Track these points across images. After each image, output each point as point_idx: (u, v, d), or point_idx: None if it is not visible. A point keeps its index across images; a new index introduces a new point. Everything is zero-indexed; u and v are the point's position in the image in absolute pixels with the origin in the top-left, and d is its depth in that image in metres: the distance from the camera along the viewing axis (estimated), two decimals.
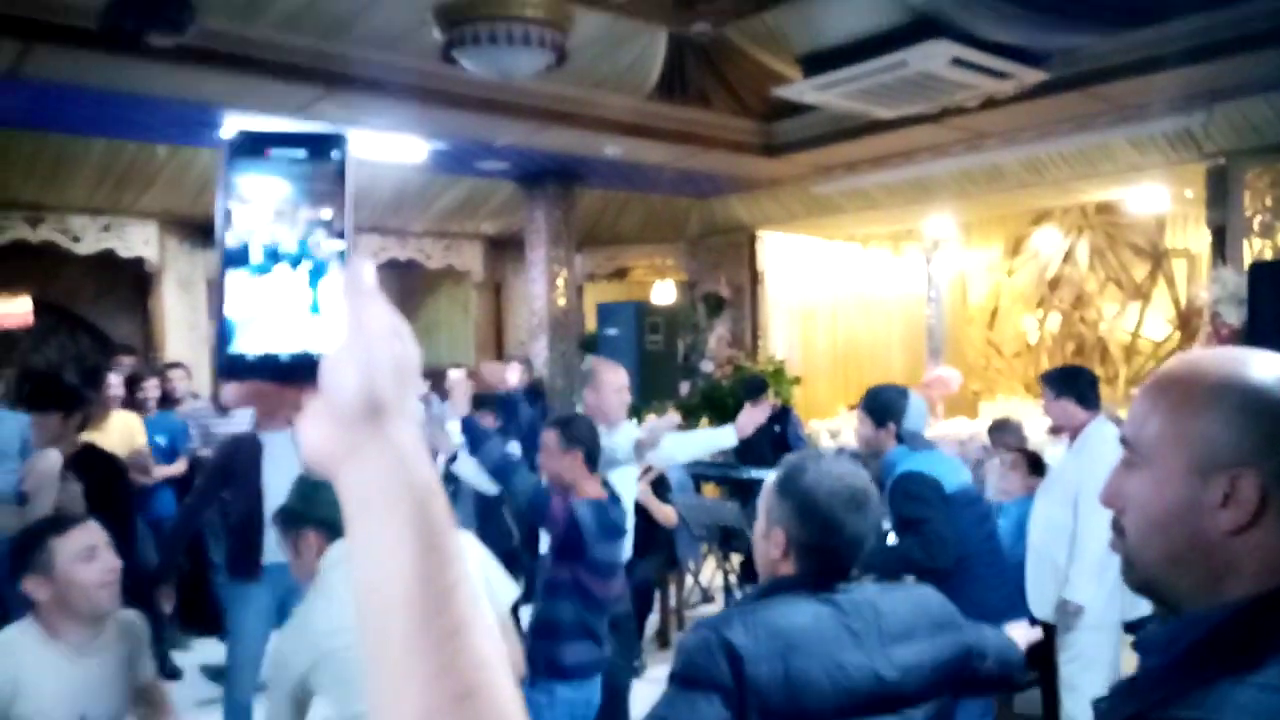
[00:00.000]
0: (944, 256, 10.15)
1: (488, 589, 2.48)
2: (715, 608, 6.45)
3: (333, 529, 2.28)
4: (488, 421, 5.00)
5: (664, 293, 10.41)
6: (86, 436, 5.34)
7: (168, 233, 8.02)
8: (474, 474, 4.80)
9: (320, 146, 0.59)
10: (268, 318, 0.58)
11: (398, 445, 0.57)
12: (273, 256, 0.58)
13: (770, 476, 1.85)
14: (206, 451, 5.78)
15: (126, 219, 7.73)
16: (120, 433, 5.49)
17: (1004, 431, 5.47)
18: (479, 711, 0.54)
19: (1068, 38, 5.16)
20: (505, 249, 9.91)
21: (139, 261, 7.98)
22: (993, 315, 10.49)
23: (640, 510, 5.03)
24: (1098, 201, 8.86)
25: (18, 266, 7.66)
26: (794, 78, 5.57)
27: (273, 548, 3.67)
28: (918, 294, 10.47)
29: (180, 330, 8.21)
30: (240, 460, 4.15)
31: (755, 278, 9.39)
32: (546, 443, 3.21)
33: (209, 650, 5.77)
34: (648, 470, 5.45)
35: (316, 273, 0.59)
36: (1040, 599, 3.82)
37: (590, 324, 8.71)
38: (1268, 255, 6.13)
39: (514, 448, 4.25)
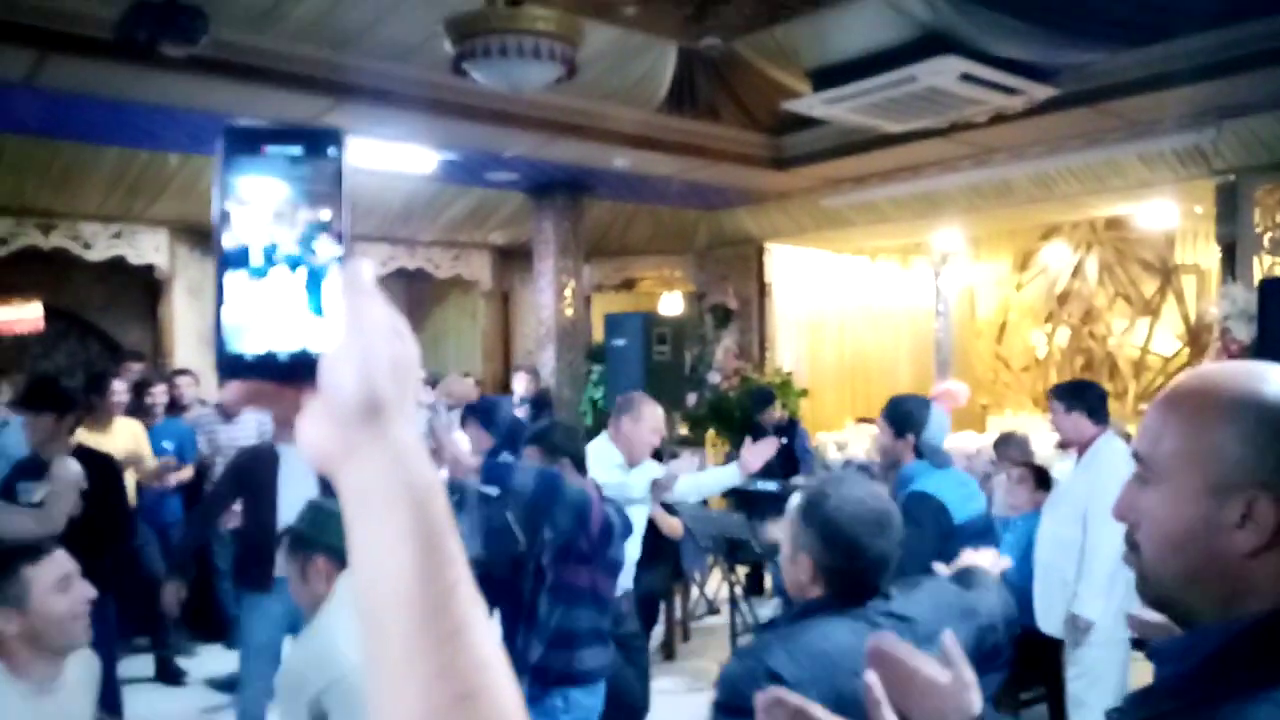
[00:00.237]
0: (952, 270, 10.15)
1: None
2: (720, 620, 6.42)
3: (343, 557, 2.26)
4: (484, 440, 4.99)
5: (671, 304, 10.42)
6: (90, 442, 5.38)
7: (178, 240, 8.06)
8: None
9: (317, 143, 0.59)
10: (266, 317, 0.58)
11: (397, 444, 0.57)
12: (270, 255, 0.58)
13: (792, 502, 1.88)
14: (215, 458, 5.80)
15: (137, 226, 7.78)
16: (124, 438, 5.51)
17: (1010, 446, 5.45)
18: (479, 713, 0.54)
19: (1077, 54, 5.17)
20: (513, 259, 9.94)
21: (149, 268, 8.02)
22: (1001, 329, 10.48)
23: (646, 522, 5.02)
24: (1107, 217, 8.86)
25: (29, 272, 7.71)
26: (803, 92, 5.58)
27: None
28: (926, 307, 10.46)
29: (189, 337, 8.24)
30: (256, 471, 4.16)
31: (763, 290, 9.40)
32: (532, 457, 3.20)
33: (214, 656, 5.78)
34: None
35: (315, 271, 0.58)
36: (1048, 614, 3.80)
37: (598, 334, 8.73)
38: (1277, 271, 6.11)
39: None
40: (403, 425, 0.57)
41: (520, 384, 8.03)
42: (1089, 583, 3.65)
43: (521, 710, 0.56)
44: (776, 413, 7.31)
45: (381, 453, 0.56)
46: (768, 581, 7.13)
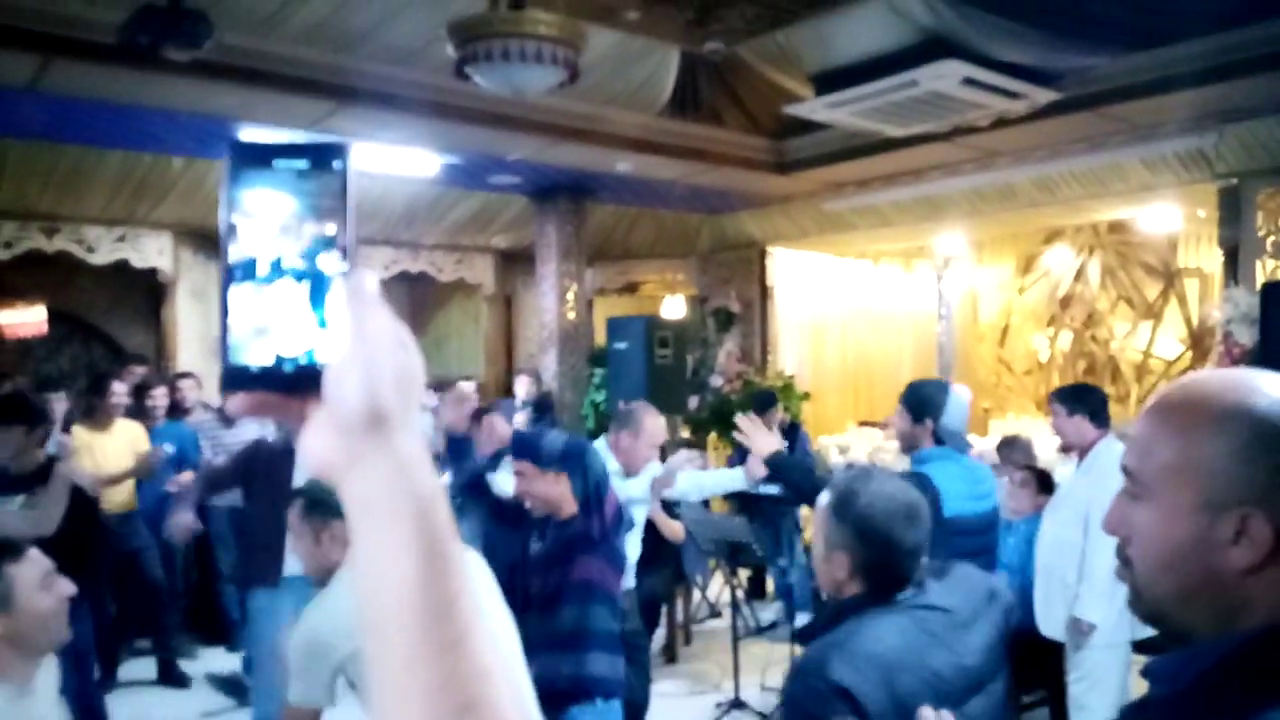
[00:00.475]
0: (955, 273, 10.15)
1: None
2: (722, 623, 6.42)
3: None
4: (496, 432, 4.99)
5: (674, 308, 10.42)
6: (91, 441, 5.40)
7: (181, 244, 8.08)
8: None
9: (322, 157, 0.60)
10: (271, 329, 0.58)
11: (401, 454, 0.57)
12: (276, 267, 0.59)
13: (821, 501, 1.90)
14: (217, 460, 5.81)
15: (141, 230, 7.80)
16: (125, 440, 5.53)
17: (1013, 449, 5.45)
18: None
19: (1079, 58, 5.17)
20: (516, 262, 9.95)
21: (153, 272, 8.04)
22: (1004, 333, 10.47)
23: (647, 524, 5.03)
24: (1109, 220, 8.85)
25: (33, 276, 7.73)
26: (805, 95, 5.59)
27: (294, 560, 3.67)
28: (928, 310, 10.46)
29: (193, 340, 8.26)
30: (270, 464, 4.17)
31: (765, 293, 9.40)
32: (522, 471, 3.01)
33: (216, 659, 5.79)
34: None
35: (320, 283, 0.59)
36: (1049, 618, 3.80)
37: (600, 338, 8.73)
38: None
39: None
40: (406, 435, 0.58)
41: (522, 387, 8.05)
42: (1090, 585, 3.65)
43: (521, 718, 0.56)
44: (778, 415, 7.30)
45: (385, 463, 0.57)
46: (769, 585, 7.13)
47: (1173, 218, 7.86)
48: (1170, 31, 4.93)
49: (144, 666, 5.71)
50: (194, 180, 7.05)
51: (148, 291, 8.41)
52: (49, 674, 2.17)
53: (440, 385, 6.72)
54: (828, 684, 1.62)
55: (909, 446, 3.51)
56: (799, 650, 5.40)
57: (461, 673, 0.54)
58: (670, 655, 6.00)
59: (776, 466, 3.26)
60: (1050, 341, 10.09)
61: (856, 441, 8.41)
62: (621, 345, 7.59)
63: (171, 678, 5.60)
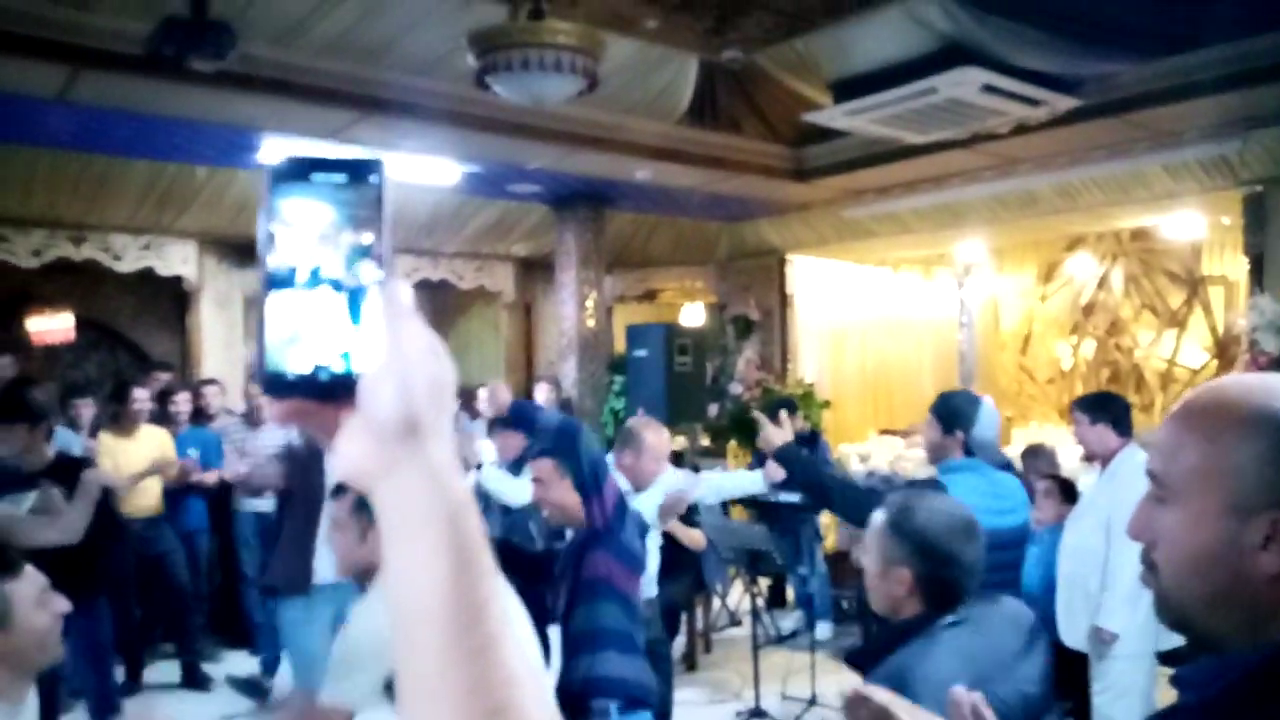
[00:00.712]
0: (976, 281, 10.09)
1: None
2: (742, 631, 6.40)
3: None
4: (513, 442, 5.05)
5: (693, 315, 10.43)
6: (116, 447, 5.47)
7: (206, 252, 8.17)
8: (500, 487, 4.83)
9: (359, 171, 0.61)
10: (308, 337, 0.59)
11: (433, 463, 0.58)
12: (313, 277, 0.60)
13: (876, 519, 1.90)
14: (241, 465, 5.87)
15: (166, 238, 7.89)
16: (150, 445, 5.60)
17: (1037, 458, 5.40)
18: None
19: (1101, 65, 5.15)
20: (536, 270, 9.99)
21: (177, 280, 8.13)
22: (1026, 341, 10.40)
23: (667, 533, 5.03)
24: (1133, 228, 8.79)
25: (61, 283, 7.84)
26: (824, 103, 5.59)
27: (326, 566, 3.66)
28: (949, 318, 10.41)
29: (217, 347, 8.34)
30: (308, 471, 4.20)
31: (785, 301, 9.39)
32: (542, 473, 2.99)
33: (238, 662, 5.83)
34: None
35: (356, 293, 0.60)
36: (1072, 627, 3.76)
37: (619, 345, 8.74)
38: None
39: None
40: (439, 444, 0.58)
41: (542, 394, 8.06)
42: (1113, 595, 3.62)
43: None
44: (798, 423, 7.28)
45: (418, 471, 0.57)
46: (789, 594, 7.11)
47: (1196, 225, 7.79)
48: (1193, 37, 4.90)
49: (168, 669, 5.76)
50: (218, 189, 7.14)
51: (172, 299, 8.51)
52: (33, 697, 2.12)
53: (462, 393, 6.76)
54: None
55: (937, 457, 3.47)
56: (822, 660, 5.38)
57: (491, 678, 0.55)
58: (690, 663, 5.99)
59: (785, 459, 3.25)
60: (1073, 350, 10.02)
61: (877, 450, 8.38)
62: (641, 353, 7.59)
63: (195, 680, 5.65)
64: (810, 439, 7.22)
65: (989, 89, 4.94)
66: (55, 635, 1.98)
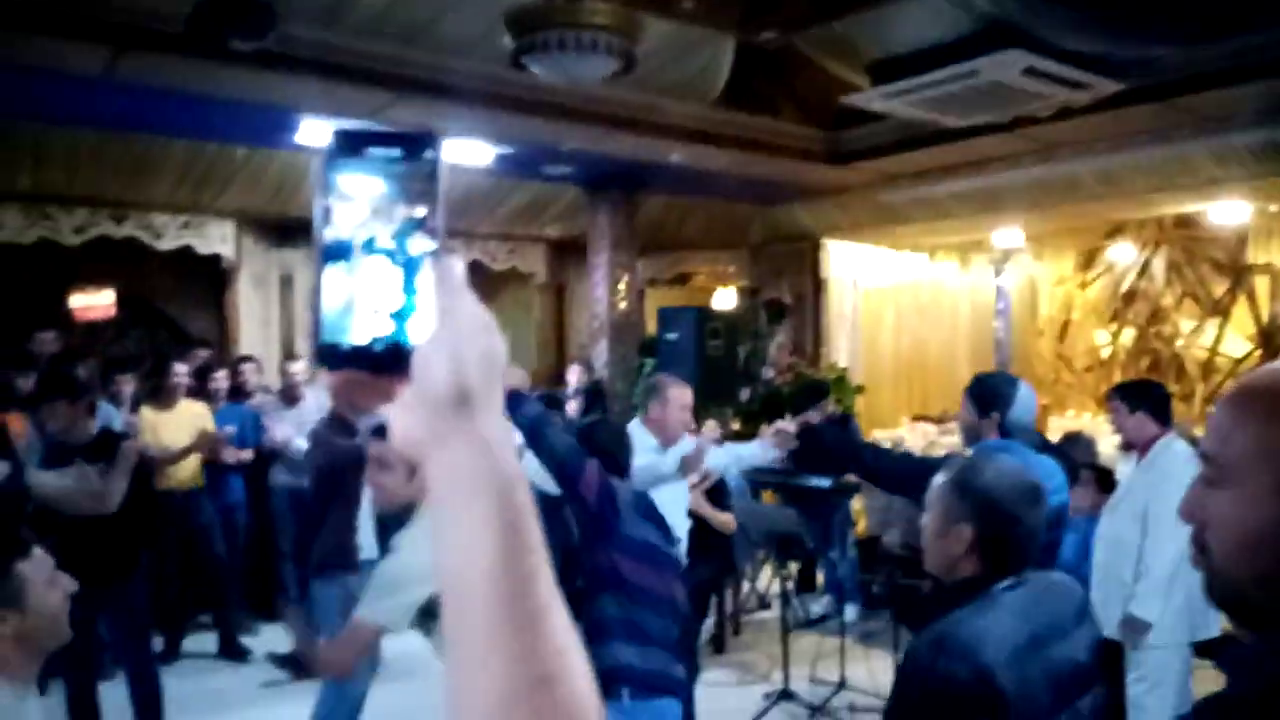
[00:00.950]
0: (1013, 268, 9.97)
1: None
2: (771, 614, 6.41)
3: None
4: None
5: (725, 300, 10.39)
6: (156, 421, 5.58)
7: (244, 231, 8.26)
8: (536, 474, 4.86)
9: (415, 146, 0.62)
10: (362, 309, 0.60)
11: (484, 434, 0.59)
12: (368, 251, 0.61)
13: (939, 478, 1.90)
14: (278, 440, 5.96)
15: (205, 217, 7.98)
16: (189, 419, 5.70)
17: (1076, 446, 5.33)
18: (556, 696, 0.55)
19: (1147, 48, 5.04)
20: (568, 253, 9.99)
21: (216, 258, 8.23)
22: (1064, 329, 10.27)
23: (696, 515, 5.04)
24: (1176, 214, 8.62)
25: (103, 261, 7.96)
26: (862, 85, 5.53)
27: (369, 544, 3.71)
28: (985, 305, 10.30)
29: (254, 325, 8.44)
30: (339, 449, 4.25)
31: (818, 286, 9.33)
32: None
33: (273, 635, 5.92)
34: (704, 479, 5.45)
35: (409, 267, 0.61)
36: (1106, 617, 3.73)
37: (651, 328, 8.74)
38: None
39: None
40: (490, 416, 0.59)
41: (574, 377, 8.10)
42: (1147, 584, 3.59)
43: (596, 697, 0.58)
44: (829, 407, 7.25)
45: (469, 442, 0.58)
46: (819, 578, 7.10)
47: (1242, 212, 7.64)
48: (1241, 20, 4.78)
49: (205, 640, 5.88)
50: (256, 169, 7.21)
51: (211, 277, 8.61)
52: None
53: None
54: (970, 666, 1.60)
55: (973, 440, 3.44)
56: (851, 644, 5.38)
57: (538, 648, 0.56)
58: (719, 645, 6.01)
59: (811, 438, 3.25)
60: (1112, 338, 9.88)
61: (910, 436, 8.32)
62: (672, 336, 7.59)
63: (232, 651, 5.76)
64: (843, 421, 7.19)
65: (1031, 72, 4.85)
66: (65, 616, 1.97)
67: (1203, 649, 3.71)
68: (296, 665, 5.34)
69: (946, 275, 10.45)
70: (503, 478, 0.58)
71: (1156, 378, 8.53)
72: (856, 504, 7.03)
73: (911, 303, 10.14)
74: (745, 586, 6.72)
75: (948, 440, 7.55)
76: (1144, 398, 3.83)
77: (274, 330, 8.51)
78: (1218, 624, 3.80)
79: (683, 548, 3.84)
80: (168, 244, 7.89)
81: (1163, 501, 3.58)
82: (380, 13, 4.77)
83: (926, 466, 2.87)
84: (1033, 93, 5.16)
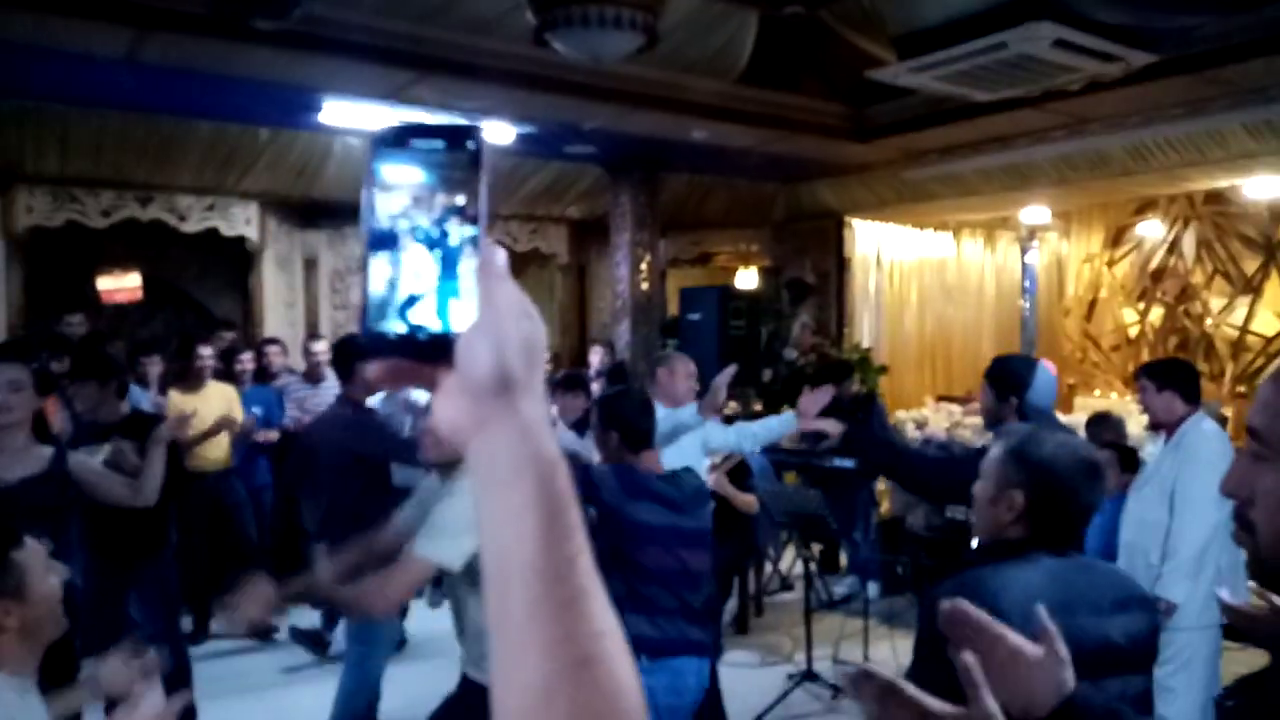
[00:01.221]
0: (1040, 245, 9.85)
1: None
2: (794, 595, 6.41)
3: None
4: (574, 404, 5.09)
5: (747, 279, 10.34)
6: (184, 404, 5.62)
7: (268, 213, 8.29)
8: (573, 441, 4.87)
9: (457, 138, 0.64)
10: (407, 297, 0.62)
11: (526, 419, 0.60)
12: (412, 240, 0.62)
13: (999, 446, 1.90)
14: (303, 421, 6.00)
15: (229, 199, 8.02)
16: (217, 399, 5.75)
17: (1104, 427, 5.28)
18: (597, 679, 0.56)
19: (1181, 18, 4.93)
20: (590, 233, 9.97)
21: (240, 240, 8.28)
22: (1091, 307, 10.15)
23: (719, 496, 5.03)
24: (1207, 190, 8.47)
25: (129, 244, 8.03)
26: (888, 60, 5.45)
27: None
28: (1011, 284, 10.19)
29: (278, 307, 8.49)
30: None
31: (842, 264, 9.25)
32: (594, 420, 3.24)
33: (302, 616, 5.98)
34: (726, 458, 5.44)
35: (453, 255, 0.62)
36: None
37: (673, 308, 8.71)
38: None
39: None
40: (531, 402, 0.61)
41: (596, 357, 8.09)
42: (1174, 565, 3.55)
43: (636, 681, 0.58)
44: (854, 387, 7.22)
45: (511, 427, 0.59)
46: (842, 559, 7.09)
47: (1276, 187, 7.49)
48: None
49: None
50: (280, 151, 7.23)
51: (235, 259, 8.67)
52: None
53: None
54: (988, 606, 1.60)
55: (993, 423, 3.42)
56: (875, 625, 5.37)
57: (580, 630, 0.57)
58: (742, 626, 6.01)
59: (856, 444, 3.26)
60: (1140, 316, 9.75)
61: (934, 416, 8.27)
62: (694, 316, 7.57)
63: (258, 631, 5.82)
64: (867, 400, 7.16)
65: (1061, 44, 4.76)
66: (59, 605, 1.91)
67: (1231, 630, 3.67)
68: (320, 643, 5.40)
69: (972, 253, 10.34)
70: (544, 462, 0.59)
71: (1185, 357, 8.43)
72: (880, 485, 7.00)
73: (936, 281, 10.04)
74: (768, 567, 6.71)
75: (972, 420, 7.49)
76: (1172, 377, 3.78)
77: (298, 311, 8.56)
78: (1247, 604, 3.75)
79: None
80: (192, 226, 7.94)
81: (1191, 481, 3.54)
82: None
83: (955, 470, 2.88)
84: (1063, 65, 5.06)
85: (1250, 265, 8.90)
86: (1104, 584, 1.79)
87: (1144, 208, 9.47)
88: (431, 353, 0.61)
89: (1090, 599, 1.72)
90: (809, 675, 4.97)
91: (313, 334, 7.71)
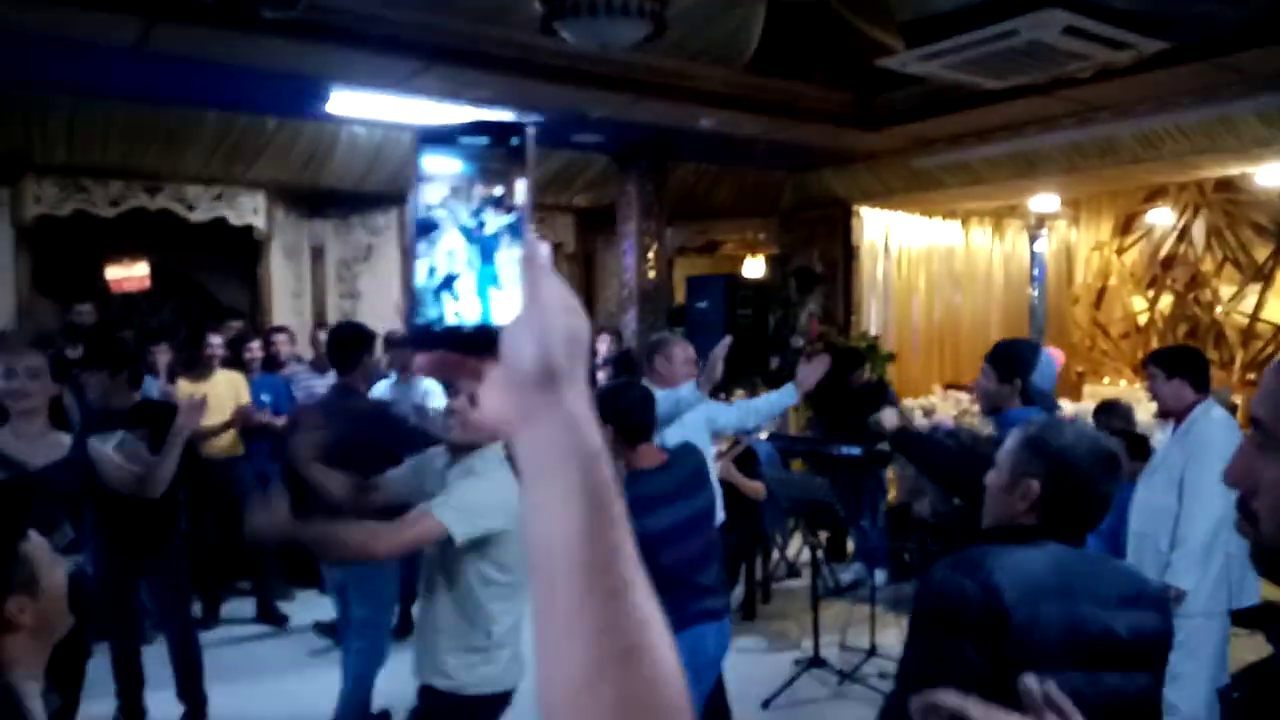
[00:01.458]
0: (1049, 233, 9.81)
1: None
2: (800, 582, 6.43)
3: None
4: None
5: (755, 268, 10.32)
6: (194, 392, 5.64)
7: (275, 202, 8.30)
8: None
9: (502, 134, 0.64)
10: (452, 292, 0.63)
11: (570, 411, 0.61)
12: (457, 234, 0.64)
13: (1016, 434, 1.88)
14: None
15: (237, 188, 8.03)
16: (226, 387, 5.78)
17: (1113, 414, 5.27)
18: (641, 667, 0.57)
19: (1193, 4, 4.89)
20: (597, 222, 9.96)
21: (248, 229, 8.29)
22: (1100, 295, 10.11)
23: (727, 483, 5.04)
24: (1217, 177, 8.42)
25: (137, 233, 8.05)
26: (896, 48, 5.42)
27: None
28: (1020, 272, 10.16)
29: (285, 296, 8.51)
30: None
31: (850, 253, 9.23)
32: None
33: (310, 601, 6.02)
34: (733, 445, 5.45)
35: (496, 250, 0.63)
36: None
37: (680, 297, 8.71)
38: None
39: None
40: (575, 393, 0.61)
41: (603, 347, 8.09)
42: (1183, 552, 3.55)
43: (680, 670, 0.59)
44: (864, 375, 7.23)
45: (555, 418, 0.60)
46: (849, 546, 7.10)
47: None
48: None
49: (243, 606, 5.99)
50: (287, 141, 7.23)
51: (243, 249, 8.68)
52: None
53: None
54: (979, 581, 1.61)
55: (993, 408, 3.41)
56: (881, 612, 5.38)
57: (623, 620, 0.57)
58: (749, 612, 6.03)
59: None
60: (1150, 304, 9.71)
61: (942, 404, 8.26)
62: (702, 305, 7.57)
63: (270, 617, 5.86)
64: (879, 387, 7.16)
65: (1072, 31, 4.73)
66: (66, 599, 1.81)
67: (1240, 617, 3.67)
68: (330, 631, 5.43)
69: (981, 241, 10.30)
70: (587, 453, 0.60)
71: (1195, 345, 8.40)
72: (888, 472, 7.00)
73: (944, 270, 10.01)
74: (775, 554, 6.73)
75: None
76: (1181, 365, 3.77)
77: (305, 300, 8.58)
78: (1257, 592, 3.75)
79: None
80: (200, 215, 7.96)
81: (1200, 469, 3.54)
82: None
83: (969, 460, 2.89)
84: (1073, 53, 5.04)
85: (1261, 253, 8.86)
86: (1112, 577, 1.77)
87: (1154, 195, 9.42)
88: (477, 345, 0.62)
89: (1093, 589, 1.70)
90: (816, 661, 4.99)
91: (320, 323, 7.73)
